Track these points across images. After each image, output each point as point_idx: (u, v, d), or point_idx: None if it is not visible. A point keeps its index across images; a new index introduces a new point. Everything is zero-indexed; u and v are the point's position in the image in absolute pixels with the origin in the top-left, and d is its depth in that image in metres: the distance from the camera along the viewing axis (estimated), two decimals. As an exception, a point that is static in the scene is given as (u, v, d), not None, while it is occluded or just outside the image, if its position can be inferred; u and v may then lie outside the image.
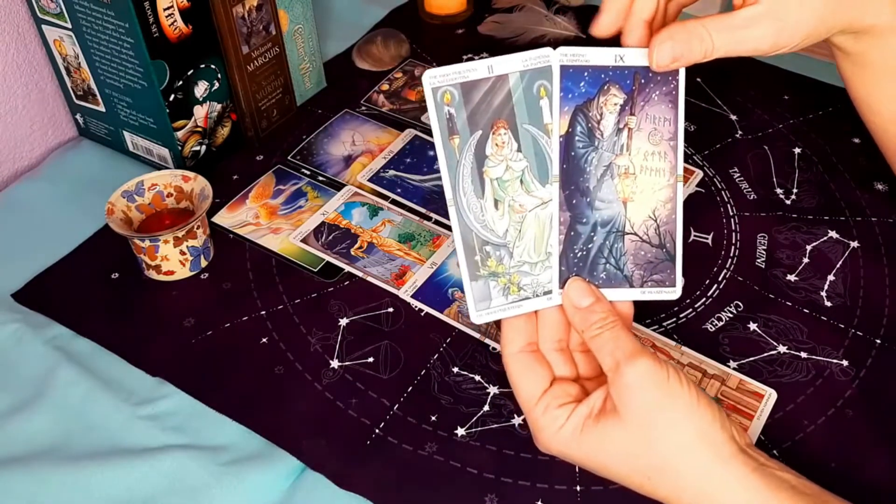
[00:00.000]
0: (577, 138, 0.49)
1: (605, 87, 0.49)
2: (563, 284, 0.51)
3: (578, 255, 0.50)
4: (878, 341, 0.63)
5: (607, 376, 0.48)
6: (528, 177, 0.50)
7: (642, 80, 0.49)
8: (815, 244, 0.70)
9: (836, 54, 0.61)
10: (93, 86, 0.75)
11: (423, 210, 0.73)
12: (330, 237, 0.70)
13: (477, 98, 0.48)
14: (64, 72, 0.76)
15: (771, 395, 0.59)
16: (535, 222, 0.50)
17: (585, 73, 0.49)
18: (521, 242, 0.50)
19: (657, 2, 0.50)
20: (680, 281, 0.52)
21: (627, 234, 0.51)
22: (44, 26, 0.73)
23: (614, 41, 0.51)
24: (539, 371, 0.50)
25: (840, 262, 0.68)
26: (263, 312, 0.65)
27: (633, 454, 0.47)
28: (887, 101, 0.61)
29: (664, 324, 0.64)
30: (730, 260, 0.69)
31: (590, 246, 0.51)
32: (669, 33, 0.48)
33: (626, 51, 0.49)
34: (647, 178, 0.50)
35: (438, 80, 0.48)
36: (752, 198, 0.74)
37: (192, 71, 0.72)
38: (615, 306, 0.51)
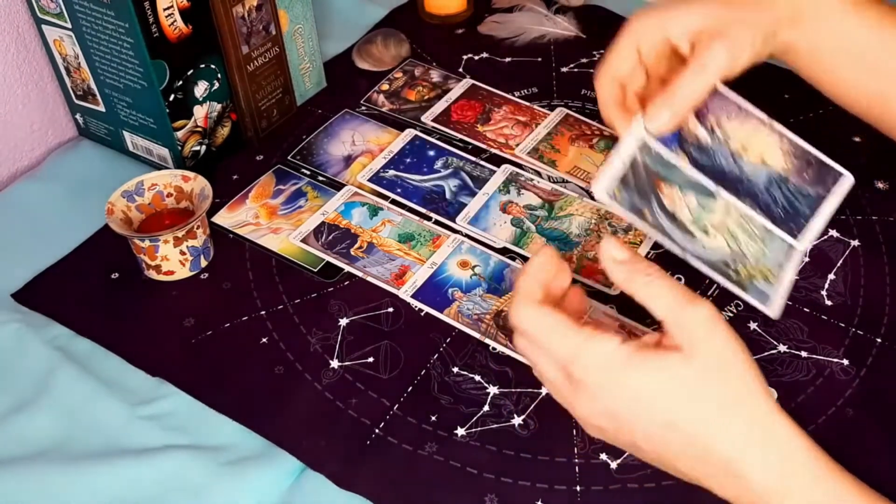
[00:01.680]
0: (697, 157, 0.58)
1: None
2: (797, 235, 0.57)
3: (781, 213, 0.58)
4: (879, 340, 0.63)
5: (666, 319, 0.46)
6: (702, 202, 0.57)
7: None
8: (815, 243, 0.70)
9: (790, 59, 0.63)
10: (93, 86, 0.75)
11: (422, 210, 0.73)
12: (330, 237, 0.70)
13: (632, 182, 0.56)
14: (64, 72, 0.76)
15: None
16: (736, 226, 0.57)
17: None
18: (743, 246, 0.57)
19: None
20: None
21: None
22: (44, 26, 0.73)
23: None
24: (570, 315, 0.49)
25: (840, 261, 0.68)
26: (263, 312, 0.65)
27: (696, 391, 0.45)
28: (854, 86, 0.62)
29: (664, 323, 0.64)
30: (730, 259, 0.69)
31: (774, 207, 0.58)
32: (663, 101, 0.55)
33: None
34: (754, 138, 0.60)
35: (607, 188, 0.55)
36: (752, 197, 0.74)
37: (191, 71, 0.72)
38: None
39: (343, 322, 0.64)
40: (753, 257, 0.57)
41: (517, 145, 0.79)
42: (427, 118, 0.82)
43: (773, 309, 0.56)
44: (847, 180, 0.60)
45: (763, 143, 0.60)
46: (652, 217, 0.54)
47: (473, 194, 0.74)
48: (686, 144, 0.59)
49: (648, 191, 0.58)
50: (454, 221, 0.72)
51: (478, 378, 0.61)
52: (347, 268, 0.68)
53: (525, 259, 0.68)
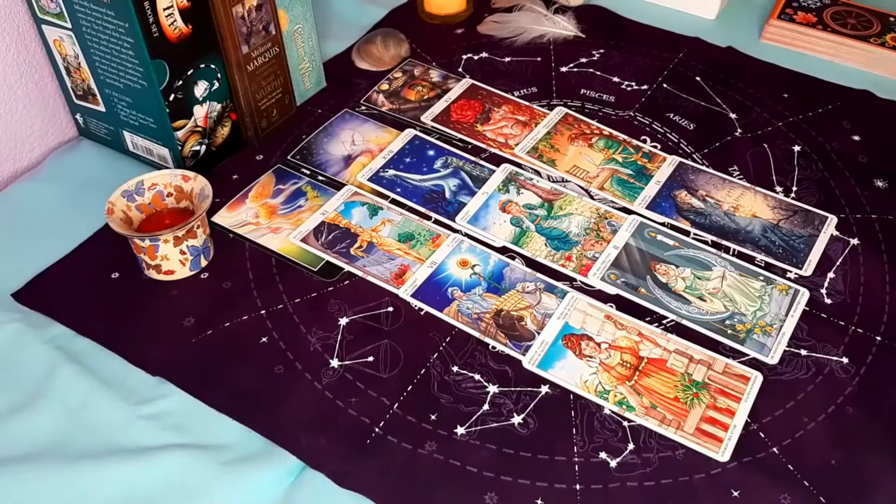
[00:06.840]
0: (695, 219, 0.70)
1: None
2: (801, 267, 0.68)
3: (780, 252, 0.69)
4: (879, 338, 0.63)
5: None
6: (698, 273, 0.67)
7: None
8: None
9: None
10: (93, 86, 0.75)
11: (422, 209, 0.73)
12: (330, 237, 0.70)
13: (625, 265, 0.67)
14: (64, 72, 0.76)
15: (756, 378, 0.59)
16: (733, 290, 0.66)
17: (660, 200, 0.73)
18: (742, 307, 0.65)
19: None
20: None
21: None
22: (44, 26, 0.73)
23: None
24: None
25: (840, 260, 0.68)
26: (263, 312, 0.65)
27: None
28: None
29: (664, 321, 0.64)
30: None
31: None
32: None
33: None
34: (743, 200, 0.73)
35: (601, 272, 0.66)
36: (751, 196, 0.74)
37: (191, 71, 0.72)
38: None
39: (343, 321, 0.64)
40: (752, 314, 0.64)
41: (516, 145, 0.79)
42: (427, 118, 0.82)
43: (774, 357, 0.61)
44: (832, 221, 0.71)
45: (751, 202, 0.72)
46: (647, 291, 0.60)
47: (473, 194, 0.74)
48: (684, 212, 0.71)
49: (644, 271, 0.66)
50: (454, 221, 0.72)
51: (477, 377, 0.61)
52: (347, 267, 0.68)
53: (525, 258, 0.68)
